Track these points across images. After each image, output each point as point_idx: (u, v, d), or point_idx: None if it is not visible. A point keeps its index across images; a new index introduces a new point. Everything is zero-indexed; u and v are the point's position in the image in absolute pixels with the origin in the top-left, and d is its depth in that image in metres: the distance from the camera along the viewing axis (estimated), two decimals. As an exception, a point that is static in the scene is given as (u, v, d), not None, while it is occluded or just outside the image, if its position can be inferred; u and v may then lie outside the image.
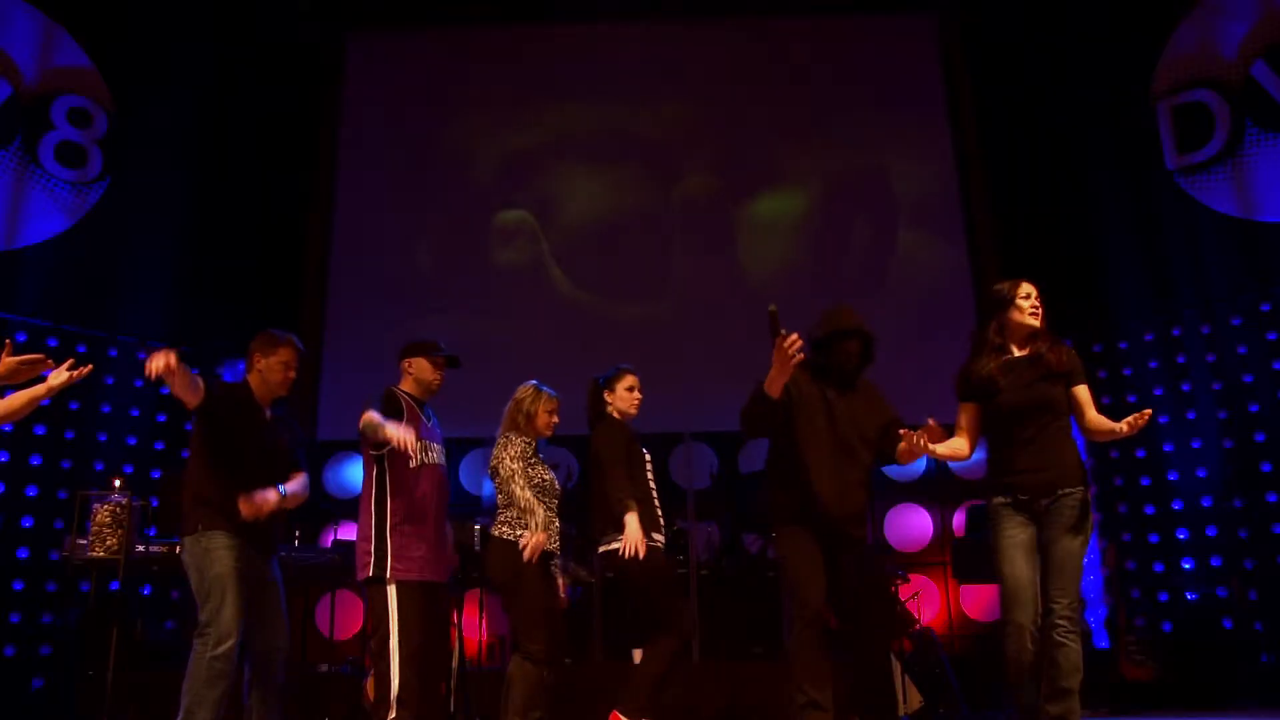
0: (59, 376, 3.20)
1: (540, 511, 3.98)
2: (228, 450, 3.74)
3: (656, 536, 4.06)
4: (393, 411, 3.88)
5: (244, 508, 3.60)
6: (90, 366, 3.29)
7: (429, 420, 4.10)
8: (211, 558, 3.61)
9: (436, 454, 4.07)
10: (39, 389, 3.22)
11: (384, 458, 3.91)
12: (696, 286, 8.23)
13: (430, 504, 3.97)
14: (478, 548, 5.23)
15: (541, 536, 3.93)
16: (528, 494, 3.99)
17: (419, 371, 4.13)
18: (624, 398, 4.25)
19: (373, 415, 3.74)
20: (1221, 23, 7.54)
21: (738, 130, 8.56)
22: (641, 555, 3.83)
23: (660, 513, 4.14)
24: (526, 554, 3.89)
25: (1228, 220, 7.31)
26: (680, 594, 4.05)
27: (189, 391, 3.58)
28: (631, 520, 3.85)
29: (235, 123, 7.95)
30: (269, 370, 3.89)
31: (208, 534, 3.64)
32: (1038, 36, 8.08)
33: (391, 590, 3.77)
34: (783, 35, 8.80)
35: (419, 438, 3.96)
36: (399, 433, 3.68)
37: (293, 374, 3.96)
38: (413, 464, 3.93)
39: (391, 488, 3.89)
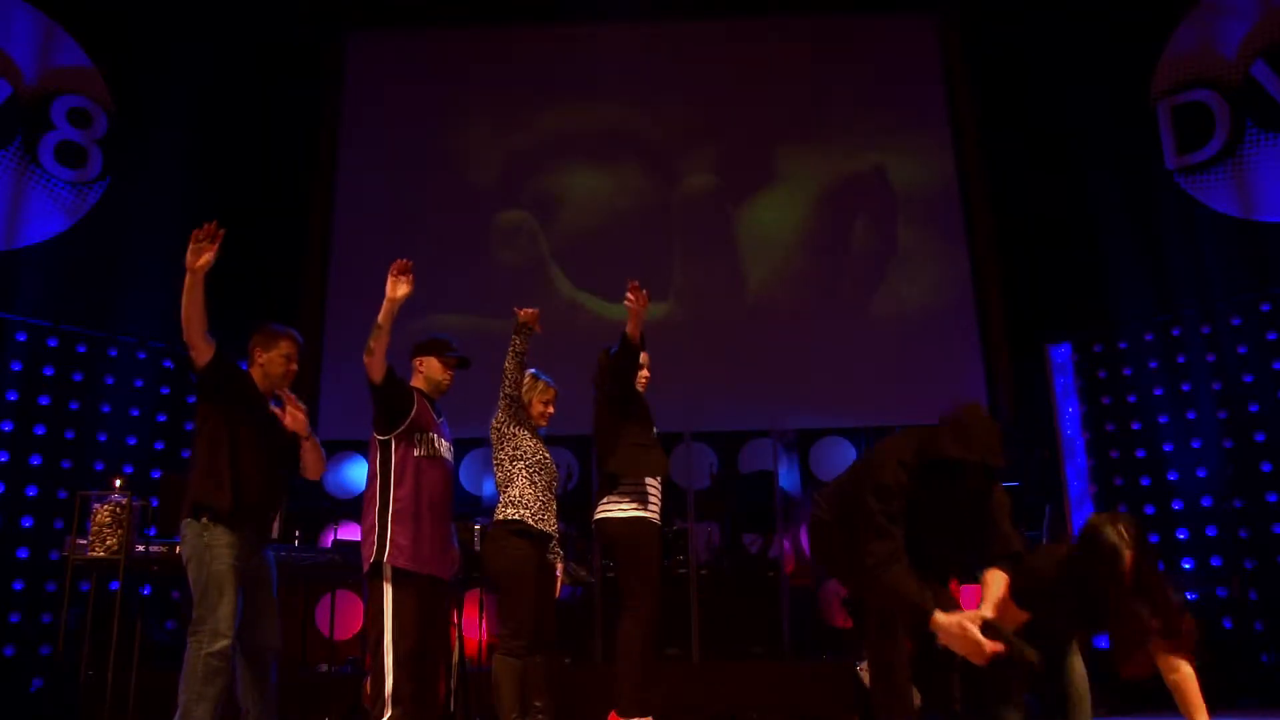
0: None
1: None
2: (231, 433, 3.70)
3: (651, 507, 4.03)
4: (401, 398, 3.91)
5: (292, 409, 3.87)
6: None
7: (439, 418, 4.09)
8: (212, 554, 3.55)
9: (445, 449, 4.02)
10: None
11: (390, 442, 3.88)
12: (696, 286, 8.23)
13: (436, 496, 3.91)
14: (477, 548, 5.24)
15: None
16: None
17: (430, 370, 4.12)
18: None
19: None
20: (1221, 22, 7.53)
21: (738, 130, 8.56)
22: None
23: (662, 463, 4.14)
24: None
25: (1228, 220, 7.29)
26: (656, 576, 3.99)
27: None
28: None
29: (235, 123, 7.94)
30: (270, 364, 3.88)
31: (209, 528, 3.58)
32: (1037, 36, 8.08)
33: (388, 586, 3.70)
34: (783, 35, 8.80)
35: (430, 430, 3.95)
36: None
37: (294, 366, 3.95)
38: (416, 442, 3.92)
39: (396, 474, 3.84)
